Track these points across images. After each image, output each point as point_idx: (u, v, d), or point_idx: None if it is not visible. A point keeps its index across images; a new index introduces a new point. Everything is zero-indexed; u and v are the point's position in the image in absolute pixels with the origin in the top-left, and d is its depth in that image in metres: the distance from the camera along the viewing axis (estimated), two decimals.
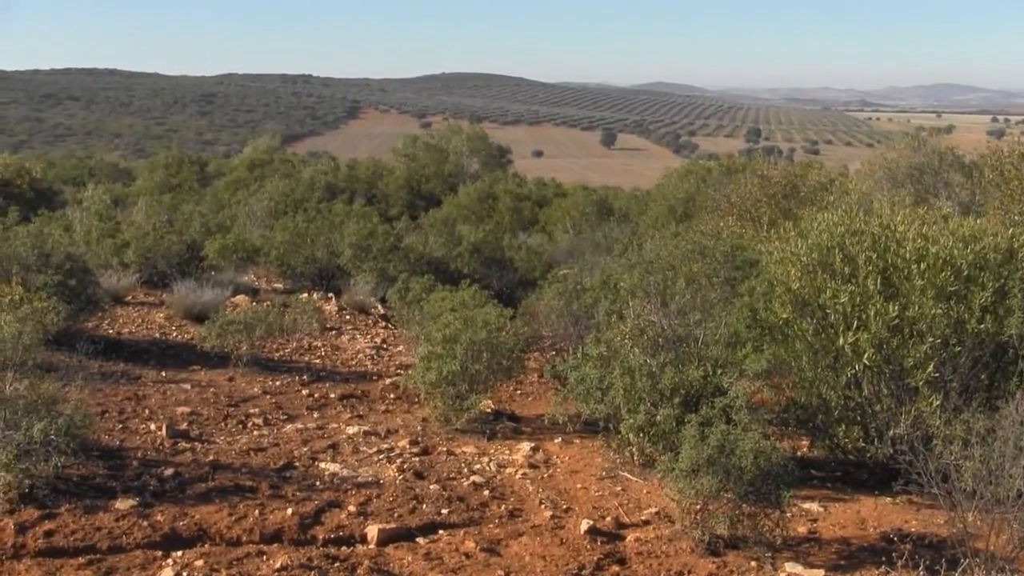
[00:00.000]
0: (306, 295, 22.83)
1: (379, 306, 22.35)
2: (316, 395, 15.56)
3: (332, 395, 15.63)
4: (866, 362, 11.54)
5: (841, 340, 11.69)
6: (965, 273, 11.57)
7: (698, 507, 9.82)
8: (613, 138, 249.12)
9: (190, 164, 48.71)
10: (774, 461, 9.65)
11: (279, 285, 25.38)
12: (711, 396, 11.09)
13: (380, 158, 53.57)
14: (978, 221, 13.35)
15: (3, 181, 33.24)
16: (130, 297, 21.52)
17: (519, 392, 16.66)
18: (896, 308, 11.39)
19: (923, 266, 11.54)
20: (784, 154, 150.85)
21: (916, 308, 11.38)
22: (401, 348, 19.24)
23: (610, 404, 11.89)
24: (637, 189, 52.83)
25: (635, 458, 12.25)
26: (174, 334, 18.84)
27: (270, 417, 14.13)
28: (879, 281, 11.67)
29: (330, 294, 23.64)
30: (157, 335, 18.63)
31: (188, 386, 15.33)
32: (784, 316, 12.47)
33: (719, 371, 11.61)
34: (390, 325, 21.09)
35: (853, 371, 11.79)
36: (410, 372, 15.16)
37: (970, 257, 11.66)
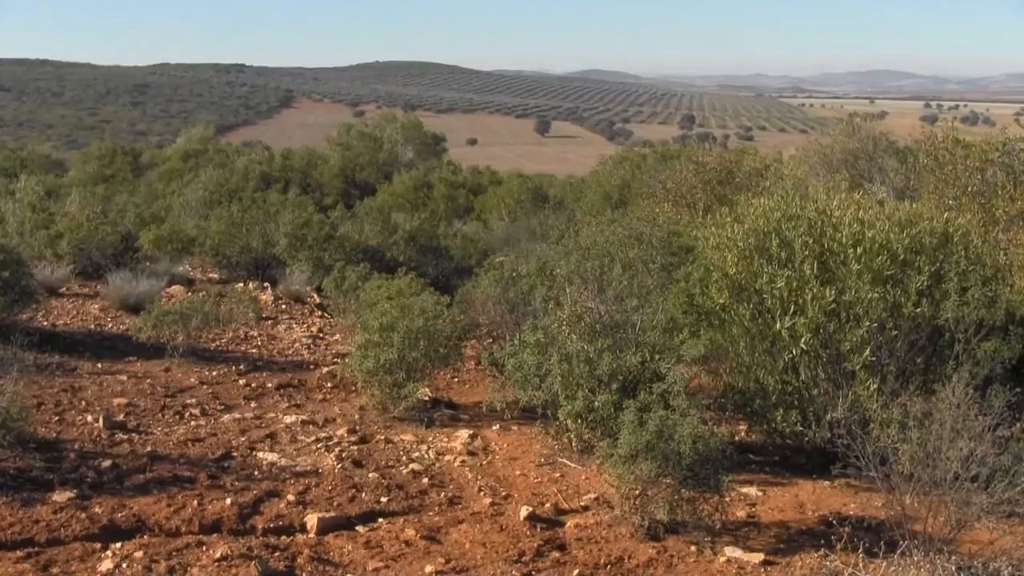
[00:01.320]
0: (242, 285, 22.69)
1: (315, 295, 22.24)
2: (253, 385, 15.46)
3: (269, 385, 15.54)
4: (803, 346, 11.64)
5: (778, 325, 11.78)
6: (901, 257, 11.66)
7: (637, 492, 9.86)
8: (547, 125, 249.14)
9: (123, 155, 48.26)
10: (712, 446, 9.69)
11: (215, 275, 25.17)
12: (649, 382, 11.13)
13: (314, 147, 53.19)
14: (913, 206, 13.48)
15: None
16: (64, 288, 21.29)
17: (456, 380, 16.64)
18: (833, 292, 11.48)
19: (859, 250, 11.63)
20: (718, 140, 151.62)
21: (853, 292, 11.48)
22: (338, 337, 19.16)
23: (548, 391, 11.90)
24: (572, 176, 52.86)
25: (573, 444, 12.27)
26: (109, 325, 18.65)
27: (207, 407, 14.04)
28: (815, 266, 11.76)
29: (266, 284, 23.48)
30: (92, 326, 18.43)
31: (124, 377, 15.19)
32: (721, 301, 12.53)
33: (657, 357, 11.64)
34: (326, 314, 21.01)
35: (790, 356, 11.88)
36: (347, 361, 15.11)
37: (906, 241, 11.76)
